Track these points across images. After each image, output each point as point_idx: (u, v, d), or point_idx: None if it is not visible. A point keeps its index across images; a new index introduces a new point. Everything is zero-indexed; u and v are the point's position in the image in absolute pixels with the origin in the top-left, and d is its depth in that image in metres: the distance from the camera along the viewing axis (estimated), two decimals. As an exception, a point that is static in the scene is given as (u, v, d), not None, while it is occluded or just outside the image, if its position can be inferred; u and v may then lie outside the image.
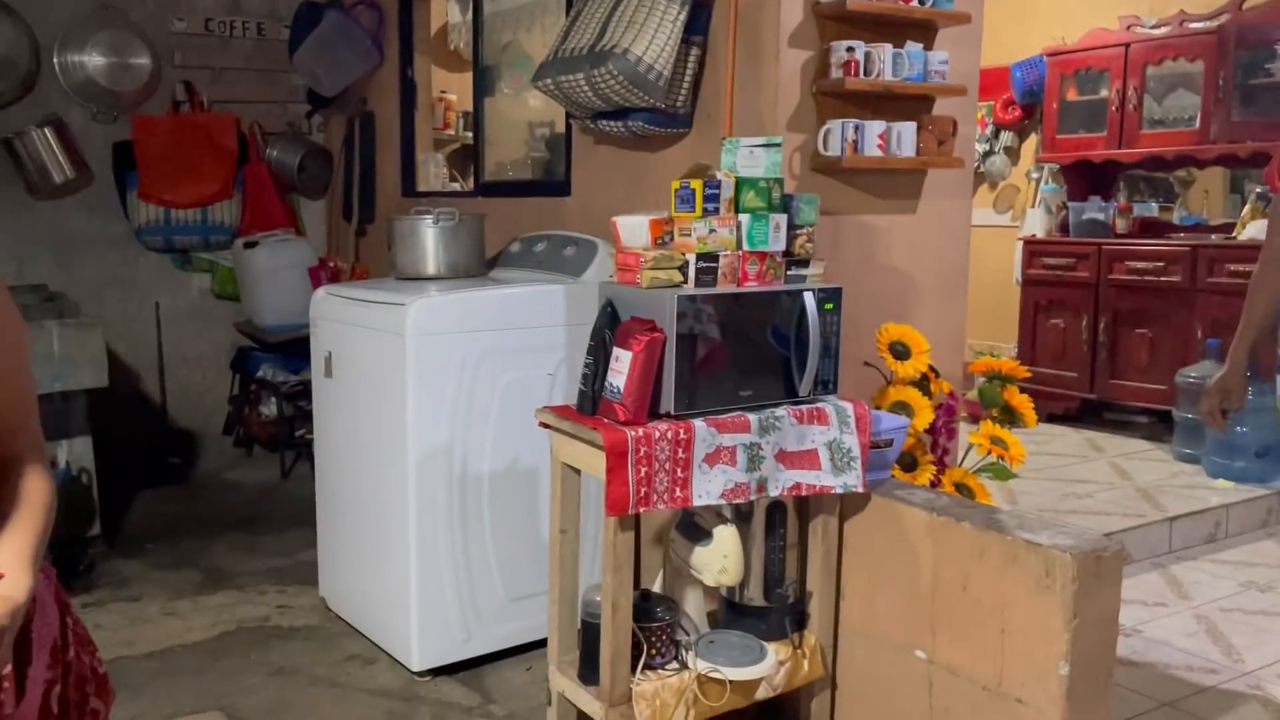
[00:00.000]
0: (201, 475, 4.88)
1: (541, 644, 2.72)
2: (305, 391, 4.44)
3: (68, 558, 3.49)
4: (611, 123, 2.90)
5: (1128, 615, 2.81)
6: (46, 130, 4.50)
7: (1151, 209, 5.51)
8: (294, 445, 4.74)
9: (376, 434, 2.88)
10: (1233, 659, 2.88)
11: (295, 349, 4.48)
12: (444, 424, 2.76)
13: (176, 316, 5.03)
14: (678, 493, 2.14)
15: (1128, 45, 5.29)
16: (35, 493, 1.16)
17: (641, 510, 2.10)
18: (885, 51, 2.60)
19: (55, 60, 4.62)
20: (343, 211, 5.06)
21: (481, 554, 2.84)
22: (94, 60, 4.67)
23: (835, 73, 2.57)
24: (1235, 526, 3.96)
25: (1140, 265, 5.03)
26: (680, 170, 2.67)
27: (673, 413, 2.15)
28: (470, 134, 4.55)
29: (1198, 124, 5.03)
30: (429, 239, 3.16)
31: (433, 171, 4.68)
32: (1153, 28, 5.28)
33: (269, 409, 4.86)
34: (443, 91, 5.17)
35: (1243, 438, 4.21)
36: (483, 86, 4.11)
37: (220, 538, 3.92)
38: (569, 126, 3.41)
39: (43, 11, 4.53)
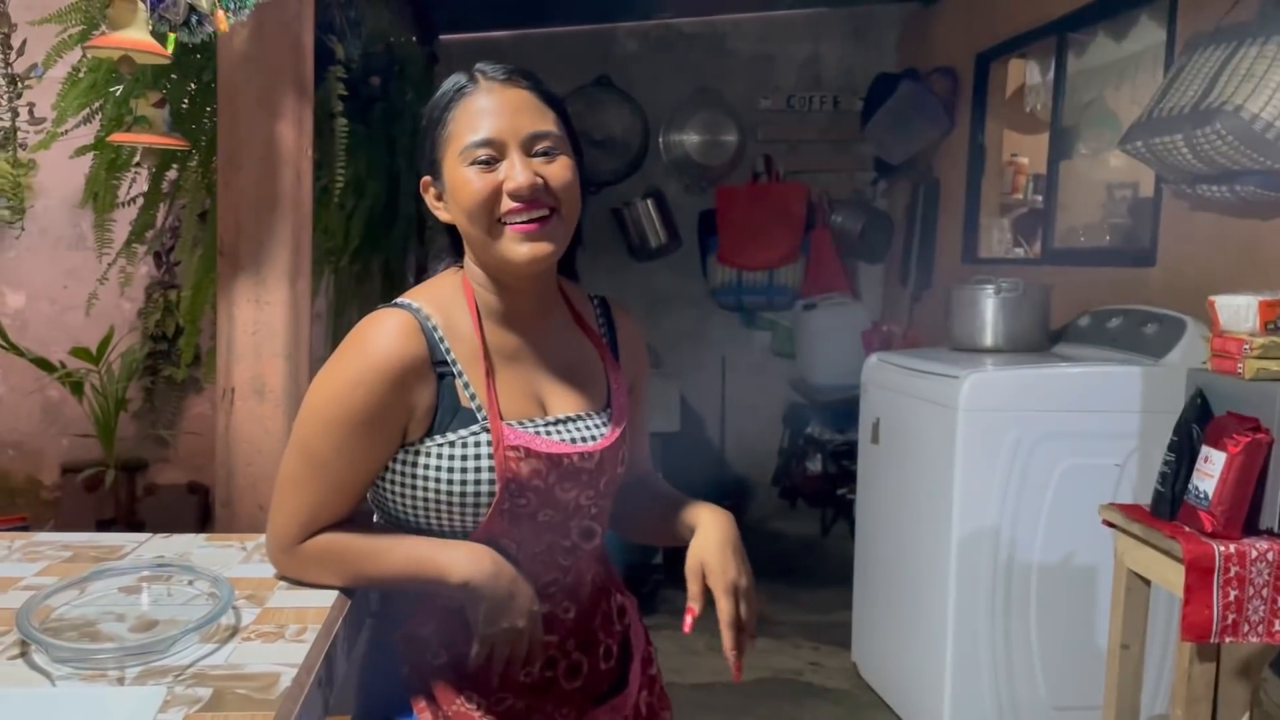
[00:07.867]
0: (749, 521, 5.19)
1: (1087, 764, 2.45)
2: (850, 451, 4.52)
3: (633, 580, 3.90)
4: (1213, 188, 2.56)
5: None
6: (648, 201, 5.16)
7: None
8: (835, 502, 4.84)
9: (920, 507, 2.82)
10: None
11: (844, 409, 4.59)
12: (992, 506, 2.62)
13: (739, 370, 5.43)
14: (1277, 626, 1.79)
15: None
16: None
17: (1227, 640, 1.79)
18: None
19: (660, 140, 5.28)
20: (900, 277, 5.10)
21: (1025, 651, 2.64)
22: (690, 139, 5.25)
23: None
24: None
25: None
26: (1301, 242, 2.27)
27: (1276, 530, 1.82)
28: (1040, 198, 4.32)
29: None
30: (989, 310, 3.04)
31: (996, 238, 4.52)
32: None
33: (814, 465, 5.03)
34: (1013, 155, 4.99)
35: None
36: (1059, 149, 3.89)
37: (763, 585, 4.09)
38: (1158, 190, 3.08)
39: (653, 96, 5.21)
